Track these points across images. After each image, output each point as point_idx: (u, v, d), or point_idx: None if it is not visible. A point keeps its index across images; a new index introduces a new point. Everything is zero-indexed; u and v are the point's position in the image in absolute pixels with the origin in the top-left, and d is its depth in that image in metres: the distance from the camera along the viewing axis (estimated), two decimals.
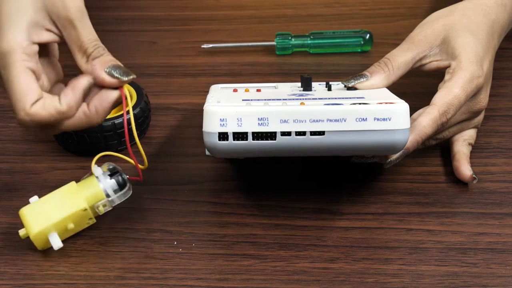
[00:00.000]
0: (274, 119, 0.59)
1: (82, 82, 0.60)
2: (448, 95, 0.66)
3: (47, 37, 0.61)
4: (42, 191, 0.70)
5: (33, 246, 0.64)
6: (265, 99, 0.62)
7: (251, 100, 0.62)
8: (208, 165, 0.72)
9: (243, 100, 0.62)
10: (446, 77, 0.68)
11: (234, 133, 0.59)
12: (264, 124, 0.59)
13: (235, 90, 0.69)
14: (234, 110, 0.58)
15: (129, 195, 0.64)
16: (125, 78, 0.61)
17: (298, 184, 0.70)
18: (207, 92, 0.71)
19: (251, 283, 0.61)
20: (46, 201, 0.63)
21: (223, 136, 0.59)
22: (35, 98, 0.59)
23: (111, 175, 0.64)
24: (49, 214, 0.62)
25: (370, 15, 0.92)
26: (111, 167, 0.64)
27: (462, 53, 0.67)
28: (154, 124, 0.78)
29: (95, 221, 0.64)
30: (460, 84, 0.66)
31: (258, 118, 0.59)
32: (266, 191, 0.69)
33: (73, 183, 0.64)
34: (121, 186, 0.64)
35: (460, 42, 0.68)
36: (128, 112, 0.71)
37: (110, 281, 0.62)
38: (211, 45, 0.87)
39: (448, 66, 0.68)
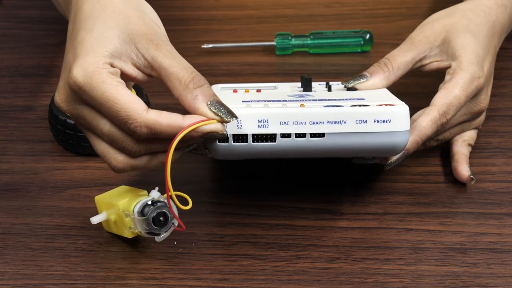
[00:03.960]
0: (274, 121, 0.59)
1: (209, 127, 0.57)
2: (448, 96, 0.66)
3: (129, 70, 0.59)
4: (42, 191, 0.70)
5: (32, 246, 0.64)
6: (265, 101, 0.62)
7: (251, 101, 0.62)
8: (208, 165, 0.72)
9: (243, 101, 0.62)
10: (447, 77, 0.68)
11: (234, 135, 0.59)
12: (264, 126, 0.59)
13: (235, 91, 0.69)
14: None
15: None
16: (228, 119, 0.57)
17: (298, 184, 0.70)
18: None
19: (251, 283, 0.61)
20: (119, 190, 0.64)
21: (223, 138, 0.59)
22: (145, 107, 0.56)
23: (153, 220, 0.60)
24: (111, 194, 0.63)
25: (370, 15, 0.92)
26: (159, 211, 0.60)
27: (462, 54, 0.67)
28: None
29: (133, 235, 0.62)
30: (460, 85, 0.66)
31: (258, 120, 0.59)
32: (266, 191, 0.69)
33: (145, 192, 0.62)
34: (148, 233, 0.61)
35: (460, 43, 0.68)
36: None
37: (110, 281, 0.62)
38: (211, 45, 0.87)
39: (449, 67, 0.68)
